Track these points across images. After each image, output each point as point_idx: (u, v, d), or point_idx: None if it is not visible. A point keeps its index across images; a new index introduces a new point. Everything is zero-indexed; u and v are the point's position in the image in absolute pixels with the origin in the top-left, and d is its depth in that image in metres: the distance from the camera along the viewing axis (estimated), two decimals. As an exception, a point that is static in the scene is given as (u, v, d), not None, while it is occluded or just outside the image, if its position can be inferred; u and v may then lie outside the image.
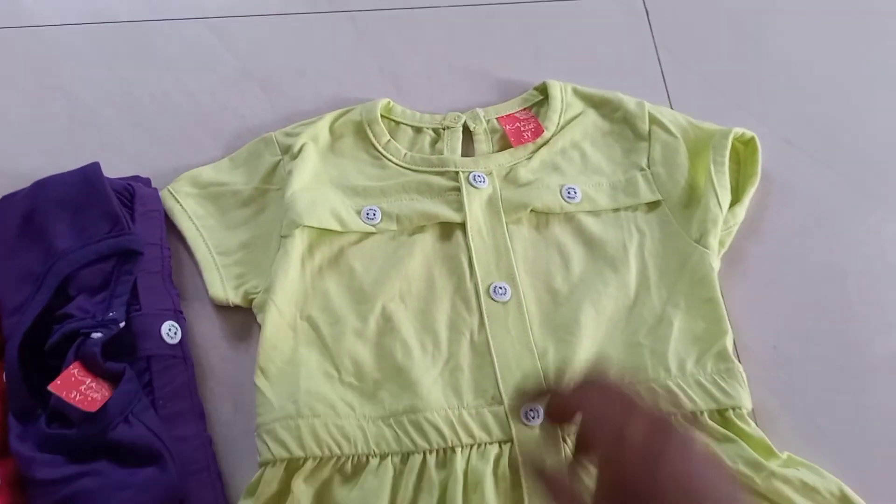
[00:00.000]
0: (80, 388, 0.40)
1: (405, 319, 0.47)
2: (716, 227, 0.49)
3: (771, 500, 0.41)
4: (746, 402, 0.44)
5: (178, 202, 0.51)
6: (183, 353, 0.46)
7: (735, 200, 0.51)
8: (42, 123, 0.56)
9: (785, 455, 0.43)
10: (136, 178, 0.51)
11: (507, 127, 0.54)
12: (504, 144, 0.54)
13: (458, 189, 0.51)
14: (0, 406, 0.43)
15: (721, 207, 0.49)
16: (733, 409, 0.44)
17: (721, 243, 0.50)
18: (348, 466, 0.42)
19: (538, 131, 0.54)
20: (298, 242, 0.48)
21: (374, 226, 0.50)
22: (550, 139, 0.54)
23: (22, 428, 0.42)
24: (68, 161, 0.50)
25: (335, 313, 0.47)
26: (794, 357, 0.49)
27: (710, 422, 0.43)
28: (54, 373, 0.41)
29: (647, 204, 0.51)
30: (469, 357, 0.45)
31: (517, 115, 0.55)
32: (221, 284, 0.48)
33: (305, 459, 0.42)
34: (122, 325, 0.44)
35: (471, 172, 0.51)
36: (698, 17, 0.63)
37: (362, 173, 0.53)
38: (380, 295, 0.47)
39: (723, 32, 0.63)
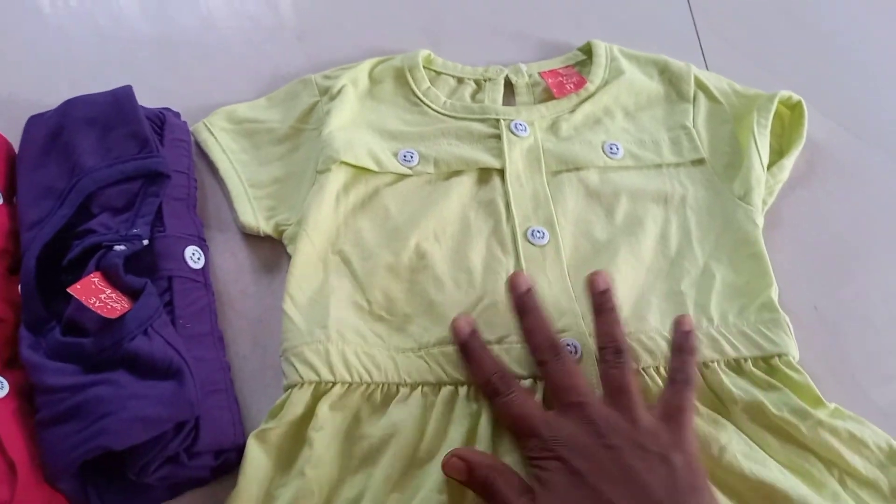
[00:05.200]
0: (99, 296, 0.39)
1: (439, 257, 0.45)
2: (759, 186, 0.48)
3: (815, 452, 0.40)
4: (793, 351, 0.43)
5: (213, 135, 0.50)
6: (205, 279, 0.44)
7: (776, 162, 0.51)
8: (71, 59, 0.55)
9: (832, 406, 0.41)
10: (167, 109, 0.50)
11: (550, 80, 0.54)
12: (546, 98, 0.54)
13: (499, 137, 0.50)
14: (13, 318, 0.41)
15: (763, 167, 0.49)
16: (779, 356, 0.42)
17: (763, 202, 0.49)
18: (377, 395, 0.41)
19: (581, 83, 0.53)
20: (334, 179, 0.47)
21: (410, 168, 0.49)
22: (594, 94, 0.53)
23: (34, 339, 0.40)
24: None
25: (367, 248, 0.46)
26: (834, 318, 0.47)
27: (754, 369, 0.42)
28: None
29: (690, 161, 0.50)
30: (503, 295, 0.43)
31: (560, 70, 0.55)
32: (253, 213, 0.47)
33: (334, 384, 0.40)
34: (145, 242, 0.42)
35: (512, 121, 0.51)
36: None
37: (401, 119, 0.52)
38: (413, 233, 0.46)
39: (764, 4, 0.63)
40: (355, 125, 0.51)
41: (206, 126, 0.51)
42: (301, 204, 0.47)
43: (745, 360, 0.42)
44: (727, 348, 0.43)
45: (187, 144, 0.49)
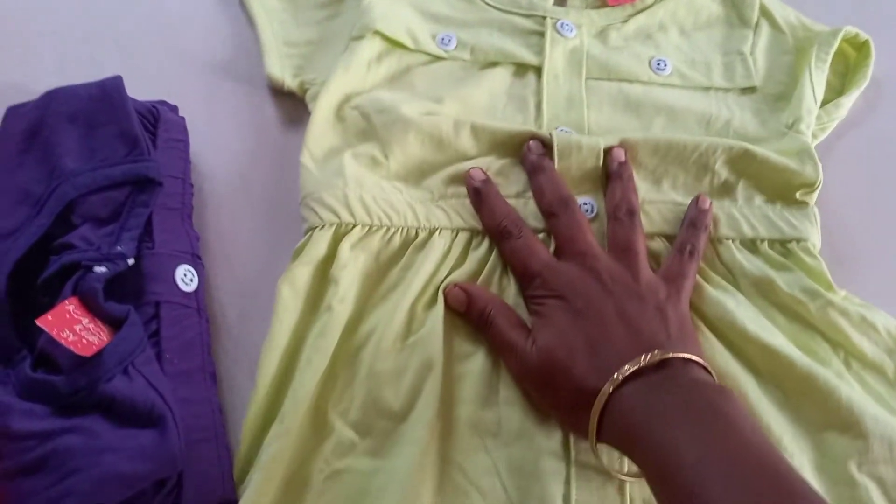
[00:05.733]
0: (74, 328, 0.34)
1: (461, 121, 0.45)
2: (809, 117, 0.47)
3: (822, 332, 0.41)
4: (814, 238, 0.44)
5: None
6: (198, 303, 0.40)
7: (832, 100, 0.50)
8: (56, 33, 0.50)
9: (843, 293, 0.42)
10: (163, 102, 0.45)
11: None
12: (600, 5, 0.53)
13: (542, 34, 0.50)
14: (-21, 343, 0.36)
15: (817, 100, 0.48)
16: (797, 241, 0.43)
17: (814, 136, 0.48)
18: (397, 239, 0.42)
19: None
20: (367, 47, 0.47)
21: (446, 52, 0.49)
22: (651, 6, 0.52)
23: (3, 370, 0.35)
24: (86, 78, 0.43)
25: (385, 103, 0.45)
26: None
27: (768, 250, 0.43)
28: (46, 312, 0.35)
29: (740, 89, 0.50)
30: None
31: None
32: (280, 68, 0.48)
33: (354, 226, 0.41)
34: (130, 262, 0.37)
35: (559, 20, 0.50)
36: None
37: (445, 2, 0.51)
38: (437, 104, 0.46)
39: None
40: (398, 1, 0.50)
41: None
42: (329, 68, 0.47)
43: (762, 240, 0.44)
44: (744, 227, 0.44)
45: (184, 144, 0.44)
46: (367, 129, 0.45)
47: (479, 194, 0.42)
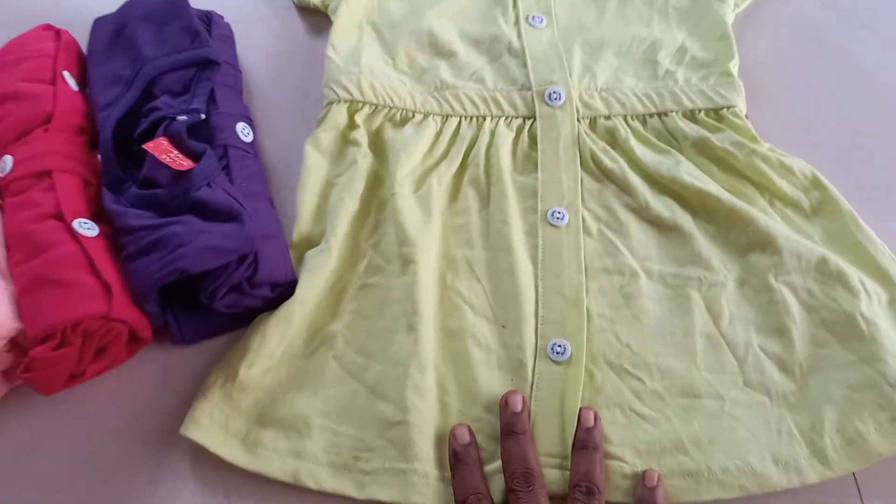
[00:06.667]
0: (169, 154, 0.45)
1: (452, 31, 0.57)
2: None
3: (750, 177, 0.50)
4: (741, 104, 0.52)
5: None
6: (254, 152, 0.51)
7: None
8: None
9: (767, 145, 0.50)
10: (212, 11, 0.57)
11: None
12: None
13: None
14: (96, 182, 0.48)
15: None
16: (727, 108, 0.52)
17: (736, 5, 0.59)
18: (398, 116, 0.53)
19: None
20: None
21: None
22: None
23: (115, 196, 0.46)
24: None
25: (394, 20, 0.57)
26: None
27: (705, 118, 0.52)
28: (142, 158, 0.46)
29: None
30: (505, 57, 0.55)
31: None
32: None
33: (364, 104, 0.52)
34: (202, 116, 0.49)
35: None
36: None
37: None
38: (433, 14, 0.57)
39: None
40: None
41: None
42: None
43: (700, 110, 0.52)
44: (685, 100, 0.53)
45: (231, 40, 0.56)
46: (378, 40, 0.56)
47: (458, 459, 0.41)
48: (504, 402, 0.42)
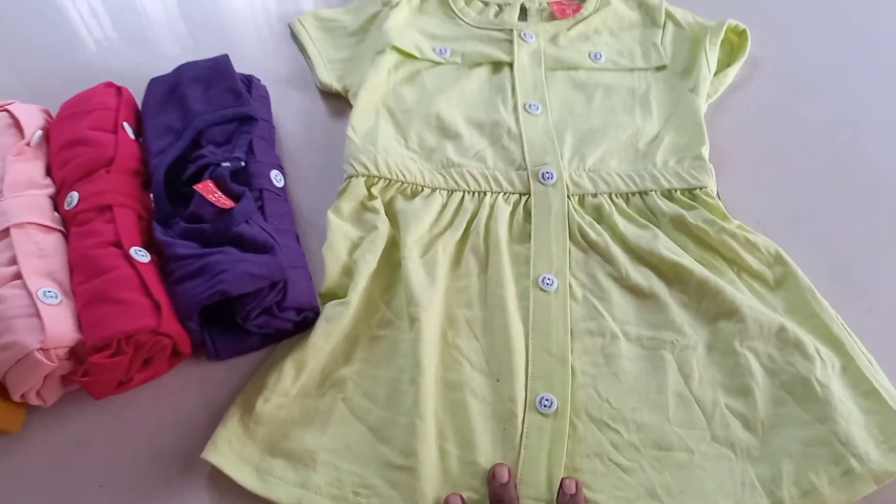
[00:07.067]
0: (214, 194, 0.53)
1: (458, 116, 0.64)
2: (705, 83, 0.66)
3: (720, 252, 0.55)
4: (712, 185, 0.59)
5: (304, 27, 0.73)
6: (284, 195, 0.59)
7: (722, 70, 0.69)
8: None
9: (737, 222, 0.56)
10: (251, 75, 0.65)
11: (555, 7, 0.73)
12: (550, 19, 0.72)
13: (511, 41, 0.69)
14: (148, 218, 0.55)
15: (710, 71, 0.67)
16: (700, 188, 0.58)
17: (708, 97, 0.66)
18: (408, 190, 0.59)
19: (577, 9, 0.73)
20: (387, 59, 0.66)
21: (444, 58, 0.68)
22: (587, 18, 0.72)
23: (164, 230, 0.54)
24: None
25: (407, 105, 0.64)
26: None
27: (681, 197, 0.58)
28: (188, 198, 0.54)
29: (655, 67, 0.69)
30: (505, 140, 0.62)
31: (563, 0, 0.74)
32: (328, 76, 0.69)
33: (379, 178, 0.58)
34: (243, 164, 0.57)
35: (523, 31, 0.70)
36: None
37: (440, 27, 0.72)
38: (442, 100, 0.64)
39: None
40: (407, 27, 0.70)
41: (299, 21, 0.73)
42: (362, 75, 0.66)
43: (676, 190, 0.58)
44: (663, 181, 0.59)
45: (267, 100, 0.64)
46: (392, 123, 0.63)
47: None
48: (491, 475, 0.46)
